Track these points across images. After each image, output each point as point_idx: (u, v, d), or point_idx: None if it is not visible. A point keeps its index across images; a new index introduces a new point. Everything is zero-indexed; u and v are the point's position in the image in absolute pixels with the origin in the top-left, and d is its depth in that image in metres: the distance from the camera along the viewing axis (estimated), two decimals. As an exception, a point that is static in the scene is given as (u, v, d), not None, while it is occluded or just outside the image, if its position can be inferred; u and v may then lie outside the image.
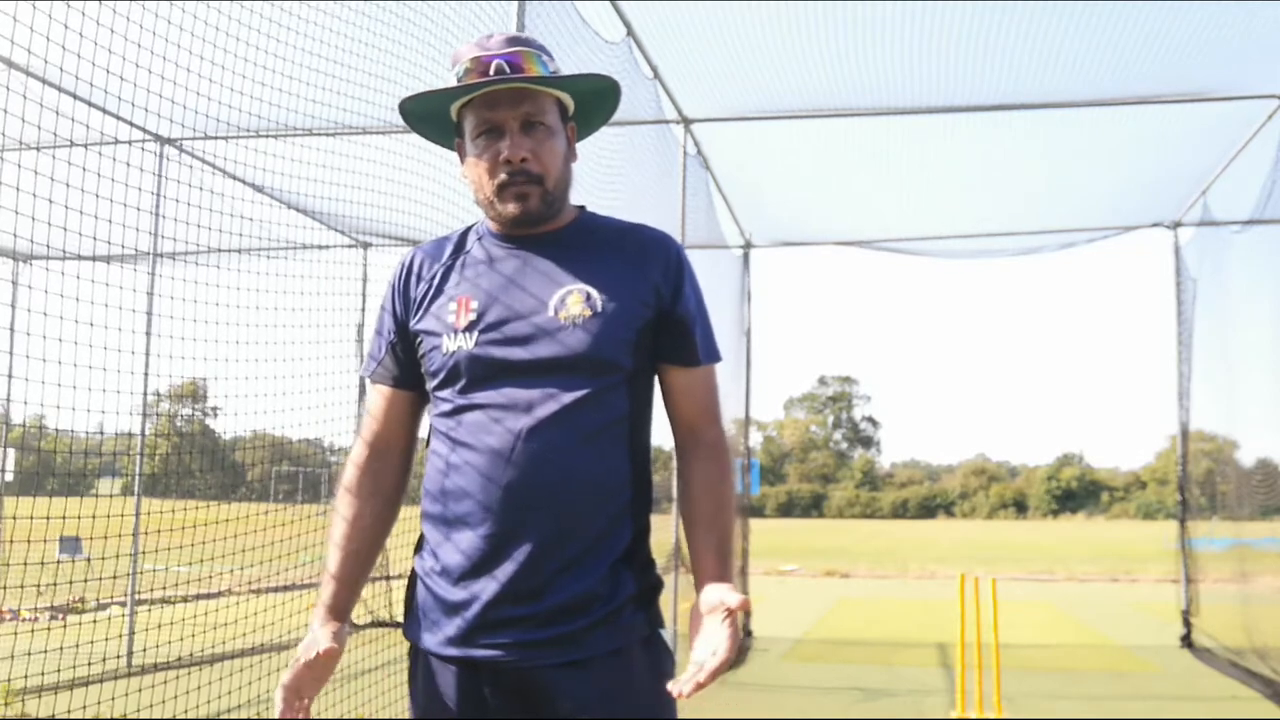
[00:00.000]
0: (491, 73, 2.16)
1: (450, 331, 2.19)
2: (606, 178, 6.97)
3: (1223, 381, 10.65)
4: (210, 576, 7.83)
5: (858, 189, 10.86)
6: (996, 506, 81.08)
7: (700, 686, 1.93)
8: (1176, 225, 11.65)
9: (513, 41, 2.21)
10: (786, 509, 78.90)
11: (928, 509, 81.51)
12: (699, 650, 1.99)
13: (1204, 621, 10.97)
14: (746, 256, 12.22)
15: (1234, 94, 8.26)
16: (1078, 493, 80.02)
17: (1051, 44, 7.50)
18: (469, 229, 2.36)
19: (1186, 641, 11.12)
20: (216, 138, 7.44)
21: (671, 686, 1.93)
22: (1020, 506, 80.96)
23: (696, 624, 2.05)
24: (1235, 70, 7.93)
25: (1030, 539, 42.05)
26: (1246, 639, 9.40)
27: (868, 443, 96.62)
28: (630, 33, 7.32)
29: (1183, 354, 11.65)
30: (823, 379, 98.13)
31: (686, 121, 8.96)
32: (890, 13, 7.10)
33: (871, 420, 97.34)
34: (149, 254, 8.00)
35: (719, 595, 2.05)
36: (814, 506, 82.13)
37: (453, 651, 2.12)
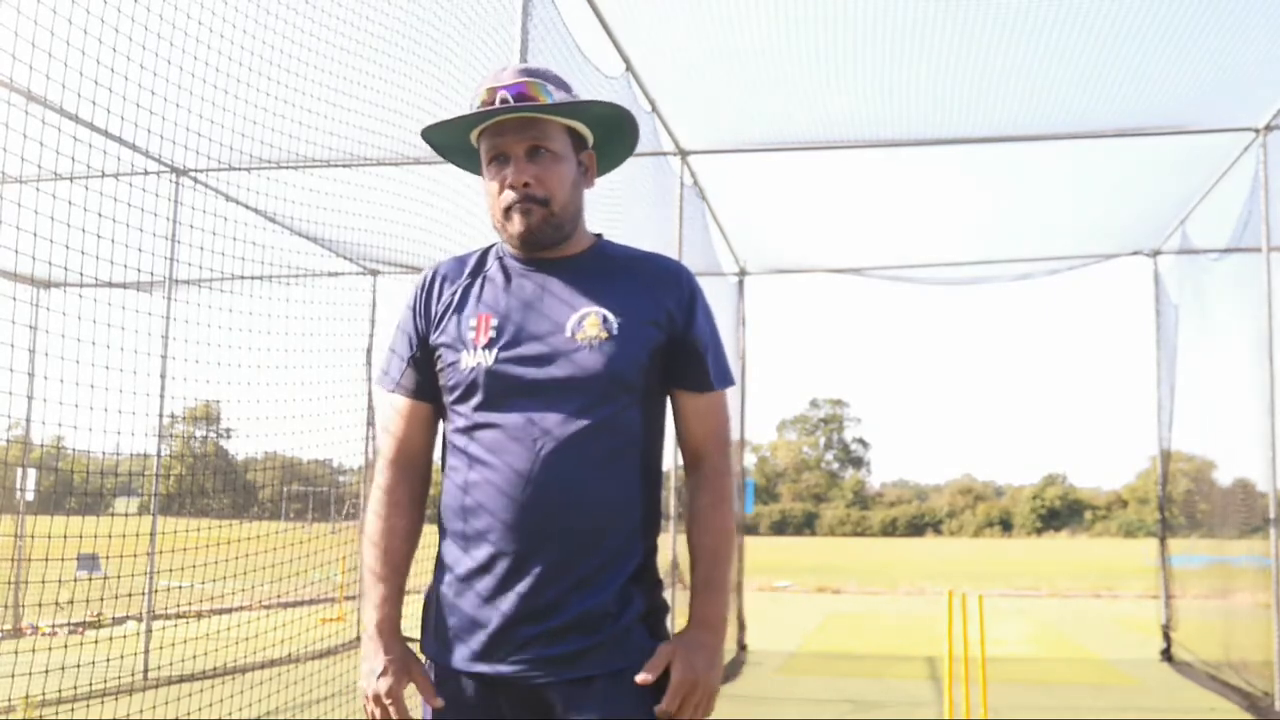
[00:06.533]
0: (497, 103, 2.21)
1: (470, 348, 2.22)
2: (608, 208, 7.01)
3: (1202, 404, 10.80)
4: (225, 594, 7.94)
5: (849, 218, 10.95)
6: (983, 525, 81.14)
7: None
8: (1156, 253, 11.87)
9: (522, 73, 2.26)
10: (780, 527, 78.83)
11: (916, 527, 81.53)
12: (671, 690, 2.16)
13: (1183, 636, 11.09)
14: (741, 284, 12.36)
15: (1212, 127, 8.48)
16: (1061, 511, 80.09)
17: (1037, 80, 7.71)
18: (488, 249, 2.39)
19: (1166, 655, 11.29)
20: (230, 169, 7.52)
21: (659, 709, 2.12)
22: (1006, 525, 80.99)
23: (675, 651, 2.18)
24: (1213, 105, 8.14)
25: (1016, 556, 42.15)
26: (1224, 653, 9.53)
27: (858, 463, 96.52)
28: (629, 68, 7.46)
29: (1163, 377, 11.85)
30: (814, 401, 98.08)
31: (684, 153, 9.14)
32: (881, 49, 7.29)
33: (862, 441, 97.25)
34: (165, 280, 8.05)
35: (659, 658, 2.17)
36: (806, 525, 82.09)
37: (474, 667, 2.15)
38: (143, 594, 8.81)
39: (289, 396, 7.73)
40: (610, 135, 2.39)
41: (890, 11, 6.79)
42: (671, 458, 8.08)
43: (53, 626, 10.26)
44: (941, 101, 8.08)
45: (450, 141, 2.36)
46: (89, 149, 5.38)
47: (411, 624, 2.30)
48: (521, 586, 2.12)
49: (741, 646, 11.57)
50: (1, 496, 11.18)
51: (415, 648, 2.32)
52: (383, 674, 2.21)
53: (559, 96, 2.26)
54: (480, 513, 2.16)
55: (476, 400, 2.21)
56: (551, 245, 2.28)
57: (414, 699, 2.26)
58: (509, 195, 2.22)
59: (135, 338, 6.09)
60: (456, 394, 2.24)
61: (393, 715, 2.18)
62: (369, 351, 9.85)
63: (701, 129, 8.88)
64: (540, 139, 2.23)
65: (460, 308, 2.29)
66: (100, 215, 5.20)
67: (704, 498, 2.30)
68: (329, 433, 8.46)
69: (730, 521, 2.32)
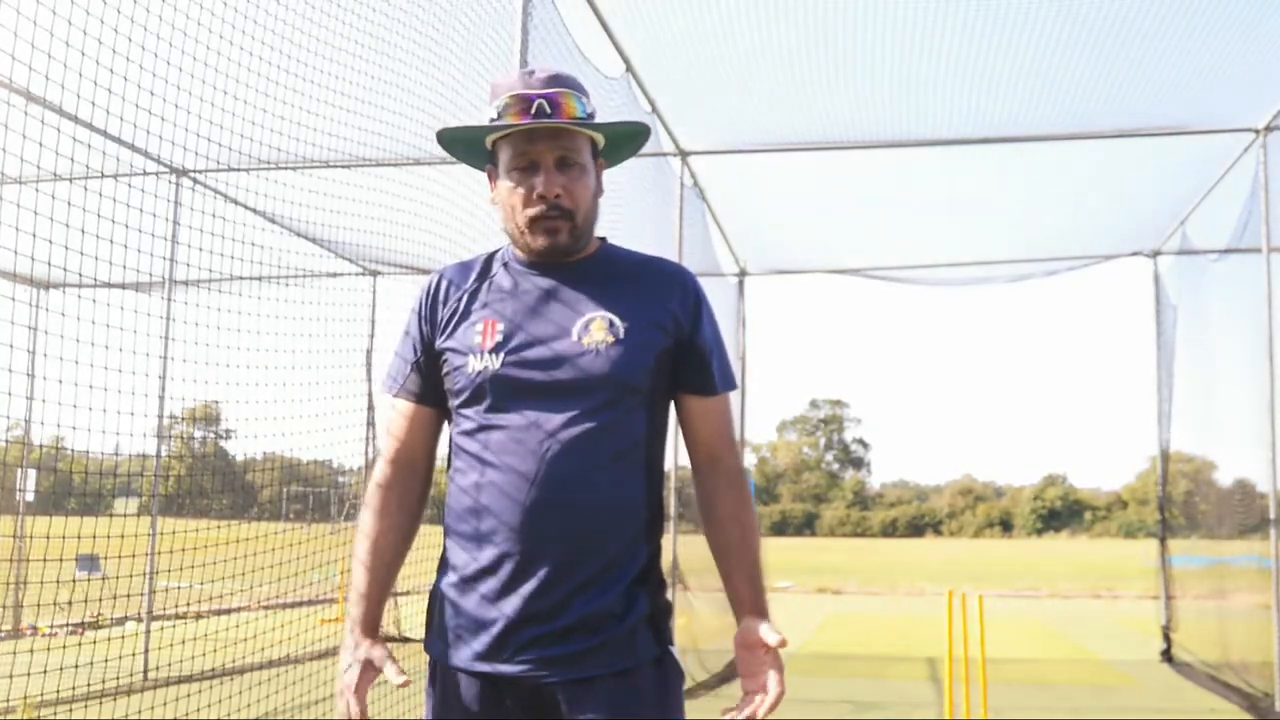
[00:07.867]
0: (533, 111, 2.20)
1: (477, 353, 2.23)
2: (608, 208, 7.07)
3: (1202, 404, 10.81)
4: (224, 594, 7.93)
5: (849, 219, 10.97)
6: (983, 525, 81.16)
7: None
8: (1156, 254, 11.88)
9: (553, 81, 2.25)
10: (780, 528, 78.80)
11: (916, 528, 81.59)
12: (748, 685, 2.15)
13: (1183, 637, 11.09)
14: (742, 284, 12.37)
15: (1212, 128, 8.49)
16: (1062, 512, 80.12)
17: (1038, 80, 7.71)
18: (493, 254, 2.40)
19: (1166, 656, 11.29)
20: (230, 169, 7.52)
21: (725, 713, 2.08)
22: (1006, 525, 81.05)
23: (740, 657, 2.19)
24: (1213, 105, 8.15)
25: (1016, 557, 42.13)
26: (1224, 654, 9.53)
27: (858, 464, 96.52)
28: (629, 68, 7.47)
29: (1163, 378, 11.85)
30: (814, 402, 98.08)
31: (684, 154, 9.15)
32: (881, 49, 7.30)
33: (862, 442, 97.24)
34: (165, 280, 8.05)
35: (759, 632, 2.16)
36: (806, 525, 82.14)
37: (480, 667, 2.16)
38: (142, 594, 8.81)
39: (289, 397, 7.71)
40: (620, 144, 2.42)
41: (891, 12, 6.79)
42: (672, 459, 8.08)
43: (52, 627, 10.25)
44: (942, 101, 8.09)
45: (459, 136, 2.37)
46: (88, 150, 5.37)
47: (415, 624, 2.31)
48: (526, 588, 2.13)
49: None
50: (1, 497, 11.18)
51: (417, 647, 2.32)
52: (348, 669, 2.25)
53: (589, 107, 2.28)
54: (485, 515, 2.17)
55: (483, 404, 2.22)
56: (567, 254, 2.30)
57: (419, 696, 2.26)
58: (537, 205, 2.24)
59: (135, 338, 6.04)
60: (463, 397, 2.25)
61: (352, 708, 2.22)
62: (369, 352, 9.84)
63: (701, 129, 8.89)
64: (570, 151, 2.25)
65: (467, 313, 2.30)
66: (100, 216, 5.18)
67: (730, 496, 2.33)
68: (329, 433, 8.45)
69: (755, 517, 2.37)
